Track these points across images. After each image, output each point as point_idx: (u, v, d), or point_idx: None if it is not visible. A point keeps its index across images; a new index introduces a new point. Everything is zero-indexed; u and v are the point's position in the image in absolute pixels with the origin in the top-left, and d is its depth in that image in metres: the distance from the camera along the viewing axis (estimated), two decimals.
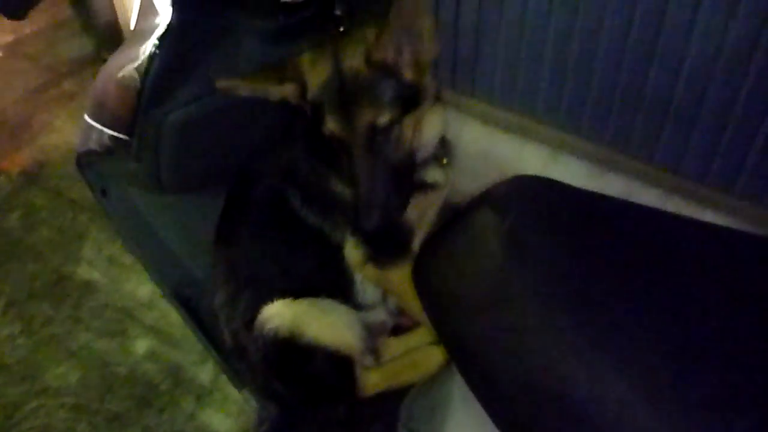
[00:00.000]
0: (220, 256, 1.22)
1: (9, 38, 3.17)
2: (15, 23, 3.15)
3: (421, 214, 1.13)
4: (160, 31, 0.94)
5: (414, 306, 1.17)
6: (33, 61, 3.07)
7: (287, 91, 0.98)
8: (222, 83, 0.96)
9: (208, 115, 1.02)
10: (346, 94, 0.94)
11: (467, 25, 1.76)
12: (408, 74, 0.98)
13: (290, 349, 1.11)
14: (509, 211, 0.84)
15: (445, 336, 0.87)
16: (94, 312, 1.93)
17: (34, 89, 2.88)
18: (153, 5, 1.00)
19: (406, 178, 1.02)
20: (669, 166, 1.57)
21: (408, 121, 0.98)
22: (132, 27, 1.12)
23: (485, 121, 1.88)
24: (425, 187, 1.13)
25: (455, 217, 0.95)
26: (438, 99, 1.13)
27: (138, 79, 1.03)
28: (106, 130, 1.05)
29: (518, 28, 1.66)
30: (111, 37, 2.98)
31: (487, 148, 1.46)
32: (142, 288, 1.99)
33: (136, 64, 1.06)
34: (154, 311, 1.92)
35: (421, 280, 0.94)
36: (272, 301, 1.12)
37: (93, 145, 1.12)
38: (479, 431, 0.91)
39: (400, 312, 1.30)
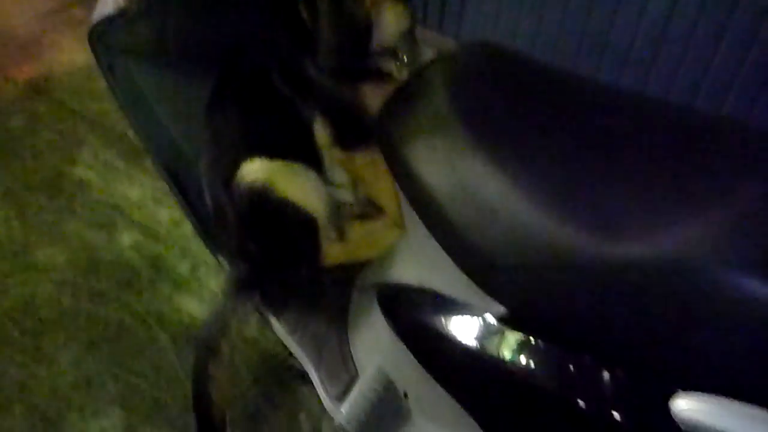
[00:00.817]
0: (207, 125, 1.35)
1: None
2: None
3: (381, 103, 1.25)
4: None
5: (379, 192, 1.31)
6: None
7: None
8: None
9: None
10: None
11: None
12: None
13: (262, 204, 1.23)
14: (461, 65, 0.99)
15: (401, 178, 1.01)
16: (86, 206, 2.07)
17: (44, 12, 3.00)
18: None
19: (360, 37, 1.14)
20: None
21: None
22: None
23: None
24: (382, 75, 1.24)
25: (415, 72, 1.09)
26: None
27: None
28: None
29: None
30: None
31: None
32: (133, 190, 2.13)
33: None
34: (143, 210, 2.06)
35: (382, 134, 1.07)
36: (250, 160, 1.26)
37: (108, 10, 1.26)
38: (420, 261, 1.06)
39: (367, 201, 1.42)
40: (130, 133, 2.29)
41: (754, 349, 0.64)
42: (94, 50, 1.41)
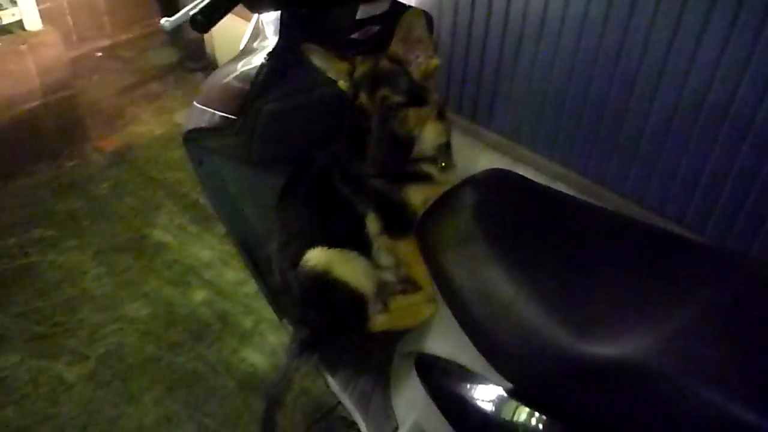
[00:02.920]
0: (279, 215, 1.66)
1: (107, 42, 3.70)
2: (114, 29, 3.71)
3: (422, 201, 1.52)
4: (268, 50, 1.41)
5: (417, 272, 1.58)
6: (126, 63, 3.60)
7: (343, 68, 1.38)
8: (307, 46, 1.34)
9: (291, 110, 1.46)
10: (374, 79, 1.34)
11: (489, 71, 2.22)
12: (416, 76, 1.37)
13: (322, 283, 1.52)
14: (481, 189, 1.27)
15: (433, 272, 1.28)
16: (164, 265, 2.40)
17: (126, 87, 3.40)
18: (263, 32, 1.47)
19: (403, 149, 1.40)
20: (635, 198, 1.99)
21: (413, 113, 1.37)
22: (241, 46, 1.59)
23: (496, 149, 2.33)
24: (423, 176, 1.52)
25: (444, 194, 1.38)
26: (442, 116, 1.54)
27: (239, 85, 1.49)
28: (217, 112, 1.51)
29: (528, 77, 2.11)
30: (194, 50, 3.50)
31: None
32: (205, 252, 2.46)
33: (238, 74, 1.52)
34: (213, 270, 2.38)
35: (422, 240, 1.36)
36: (313, 248, 1.56)
37: (203, 123, 1.57)
38: (450, 338, 1.33)
39: (408, 280, 1.70)
40: (202, 200, 2.64)
41: None
42: (187, 148, 1.73)
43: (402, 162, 1.46)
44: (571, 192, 2.12)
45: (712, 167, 1.77)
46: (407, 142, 1.43)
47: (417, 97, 1.39)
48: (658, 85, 1.80)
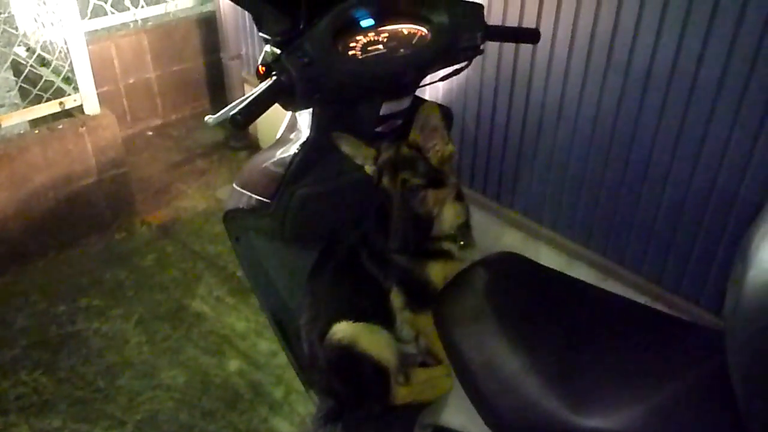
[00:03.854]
0: (309, 290, 1.77)
1: (158, 122, 3.95)
2: (165, 110, 3.97)
3: (443, 278, 1.61)
4: (301, 140, 1.56)
5: (437, 346, 1.67)
6: (175, 141, 3.83)
7: (369, 154, 1.51)
8: (337, 135, 1.47)
9: (321, 194, 1.60)
10: (396, 163, 1.46)
11: (511, 156, 2.34)
12: (433, 161, 1.49)
13: (347, 356, 1.61)
14: (492, 270, 1.37)
15: (446, 346, 1.37)
16: (201, 335, 2.51)
17: (174, 163, 3.62)
18: (297, 124, 1.63)
19: (422, 227, 1.51)
20: (653, 278, 2.06)
21: (431, 194, 1.49)
22: (278, 136, 1.75)
23: (519, 228, 2.42)
24: (443, 253, 1.62)
25: (459, 274, 1.47)
26: (460, 198, 1.66)
27: (275, 170, 1.64)
28: (254, 195, 1.66)
29: (547, 161, 2.22)
30: (239, 131, 3.74)
31: (518, 249, 1.94)
32: (240, 323, 2.57)
33: (275, 160, 1.67)
34: (247, 341, 2.49)
35: (437, 316, 1.45)
36: (339, 322, 1.66)
37: (242, 204, 1.72)
38: (462, 411, 1.40)
39: (429, 352, 1.78)
40: (239, 273, 2.78)
41: None
42: (226, 226, 1.88)
43: (421, 239, 1.56)
44: (590, 270, 2.21)
45: (725, 249, 1.83)
46: (426, 221, 1.55)
47: (435, 180, 1.51)
48: (669, 168, 1.89)
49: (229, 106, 1.33)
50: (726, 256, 1.84)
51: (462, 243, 1.66)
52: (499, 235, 2.44)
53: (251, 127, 1.36)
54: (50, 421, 2.19)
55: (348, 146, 1.54)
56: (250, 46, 3.48)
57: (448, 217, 1.62)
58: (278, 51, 1.32)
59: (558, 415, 1.05)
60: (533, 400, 1.09)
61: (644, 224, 2.03)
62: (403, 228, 1.49)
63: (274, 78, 1.31)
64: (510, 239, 2.43)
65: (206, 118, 1.43)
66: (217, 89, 3.84)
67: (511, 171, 2.36)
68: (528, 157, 2.27)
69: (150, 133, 3.88)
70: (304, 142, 1.56)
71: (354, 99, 1.52)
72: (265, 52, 1.36)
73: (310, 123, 1.56)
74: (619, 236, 2.12)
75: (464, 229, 1.68)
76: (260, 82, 1.35)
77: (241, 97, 1.34)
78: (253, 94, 1.29)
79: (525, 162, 2.29)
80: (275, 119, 2.01)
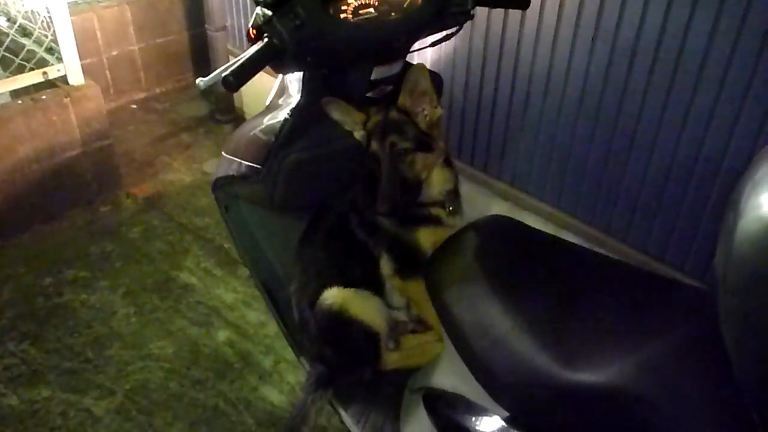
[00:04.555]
0: (299, 257, 1.77)
1: (142, 95, 3.91)
2: (149, 83, 3.93)
3: (432, 244, 1.62)
4: (291, 106, 1.56)
5: (427, 312, 1.69)
6: (159, 115, 3.80)
7: (359, 119, 1.52)
8: (326, 100, 1.48)
9: (311, 161, 1.59)
10: (384, 128, 1.49)
11: (499, 126, 2.35)
12: (422, 125, 1.51)
13: (337, 321, 1.62)
14: (482, 233, 1.38)
15: (437, 309, 1.39)
16: (189, 306, 2.52)
17: (159, 137, 3.59)
18: (288, 90, 1.63)
19: (410, 190, 1.53)
20: (639, 246, 2.09)
21: (420, 158, 1.50)
22: (267, 102, 1.74)
23: (506, 198, 2.44)
24: (432, 219, 1.63)
25: (450, 237, 1.49)
26: (449, 164, 1.66)
27: (265, 137, 1.63)
28: (244, 162, 1.65)
29: (535, 131, 2.23)
30: (224, 104, 3.70)
31: None
32: (229, 294, 2.58)
33: (263, 127, 1.67)
34: (236, 312, 2.50)
35: (428, 279, 1.46)
36: (330, 288, 1.67)
37: (231, 171, 1.71)
38: (454, 372, 1.42)
39: (419, 319, 1.80)
40: (226, 245, 2.78)
41: None
42: (215, 195, 1.87)
43: (409, 202, 1.58)
44: (577, 239, 2.23)
45: (709, 217, 1.86)
46: (415, 185, 1.56)
47: (423, 143, 1.52)
48: (656, 137, 1.91)
49: (220, 69, 1.33)
50: (710, 225, 1.87)
51: (450, 209, 1.67)
52: (487, 205, 2.46)
53: (237, 100, 1.36)
54: (39, 391, 2.19)
55: (338, 112, 1.54)
56: (236, 18, 3.44)
57: (437, 182, 1.63)
58: (269, 13, 1.31)
59: (550, 370, 1.07)
60: (526, 357, 1.11)
61: (630, 193, 2.05)
62: (391, 191, 1.50)
63: (266, 40, 1.30)
64: (497, 209, 2.44)
65: (197, 80, 1.42)
66: (202, 62, 3.80)
67: (498, 141, 2.37)
68: (516, 127, 2.28)
69: (134, 106, 3.84)
70: (294, 108, 1.56)
71: (345, 63, 1.52)
72: (256, 14, 1.35)
73: (301, 88, 1.55)
74: (605, 205, 2.15)
75: (453, 195, 1.69)
76: (251, 45, 1.35)
77: None
78: (244, 56, 1.28)
79: (513, 132, 2.30)
80: (262, 91, 2.01)
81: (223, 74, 1.25)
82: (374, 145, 1.51)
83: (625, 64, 1.89)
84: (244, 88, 1.28)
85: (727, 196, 1.79)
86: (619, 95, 1.95)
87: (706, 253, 1.93)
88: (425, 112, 1.50)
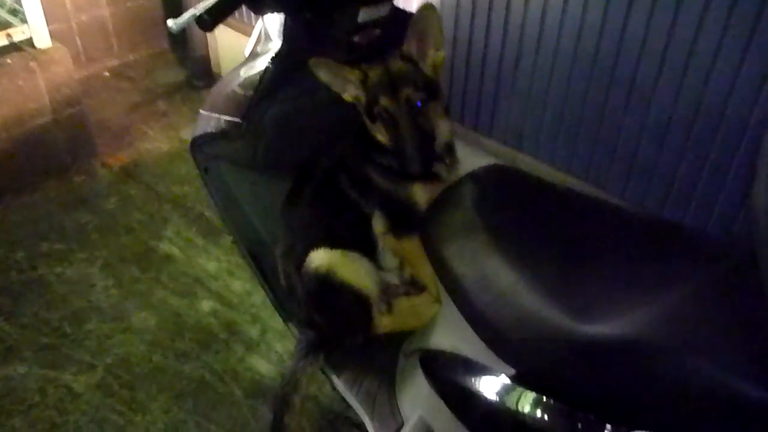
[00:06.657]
0: (284, 218, 1.68)
1: (115, 63, 3.76)
2: (122, 50, 3.77)
3: (428, 200, 1.53)
4: (272, 54, 1.45)
5: (421, 272, 1.60)
6: (134, 83, 3.66)
7: (354, 77, 1.40)
8: (314, 61, 1.35)
9: (295, 113, 1.49)
10: (393, 80, 1.37)
11: (489, 81, 2.25)
12: (428, 71, 1.41)
13: (326, 285, 1.54)
14: (481, 183, 1.30)
15: (436, 265, 1.30)
16: (171, 277, 2.42)
17: (134, 105, 3.45)
18: (269, 36, 1.51)
19: (431, 144, 1.44)
20: (636, 203, 2.02)
21: (431, 108, 1.41)
22: (246, 54, 1.63)
23: (498, 156, 2.35)
24: (431, 176, 1.56)
25: (446, 189, 1.40)
26: (447, 113, 1.57)
27: (244, 93, 1.52)
28: (223, 116, 1.55)
29: (528, 86, 2.14)
30: (200, 69, 3.56)
31: None
32: (211, 263, 2.48)
33: (241, 81, 1.56)
34: (219, 281, 2.40)
35: (425, 234, 1.38)
36: (317, 249, 1.58)
37: (210, 128, 1.61)
38: (452, 332, 1.34)
39: (412, 282, 1.72)
40: (207, 213, 2.67)
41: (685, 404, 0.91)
42: (193, 155, 1.77)
43: (434, 156, 1.48)
44: None
45: (709, 172, 1.79)
46: (431, 137, 1.46)
47: (432, 91, 1.42)
48: (654, 89, 1.83)
49: (194, 8, 1.22)
50: (711, 180, 1.81)
51: (448, 162, 1.58)
52: (479, 164, 2.37)
53: (214, 65, 1.26)
54: (15, 368, 2.09)
55: (328, 72, 1.42)
56: None
57: (441, 133, 1.53)
58: None
59: (560, 323, 1.00)
60: (533, 310, 1.04)
61: (627, 149, 1.98)
62: (420, 148, 1.39)
63: None
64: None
65: (168, 21, 1.31)
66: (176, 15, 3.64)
67: (489, 98, 2.27)
68: (507, 81, 2.19)
69: (106, 74, 3.70)
70: (275, 56, 1.45)
71: (329, 3, 1.41)
72: None
73: (281, 33, 1.44)
74: (601, 161, 2.07)
75: (450, 147, 1.60)
76: None
77: (202, 36, 1.23)
78: None
79: (504, 87, 2.21)
80: (240, 54, 1.89)
81: (198, 13, 1.14)
82: (384, 101, 1.39)
83: (623, 8, 1.80)
84: (221, 51, 1.18)
85: (729, 151, 1.73)
86: (617, 43, 1.86)
87: (706, 209, 1.86)
88: (430, 56, 1.39)
